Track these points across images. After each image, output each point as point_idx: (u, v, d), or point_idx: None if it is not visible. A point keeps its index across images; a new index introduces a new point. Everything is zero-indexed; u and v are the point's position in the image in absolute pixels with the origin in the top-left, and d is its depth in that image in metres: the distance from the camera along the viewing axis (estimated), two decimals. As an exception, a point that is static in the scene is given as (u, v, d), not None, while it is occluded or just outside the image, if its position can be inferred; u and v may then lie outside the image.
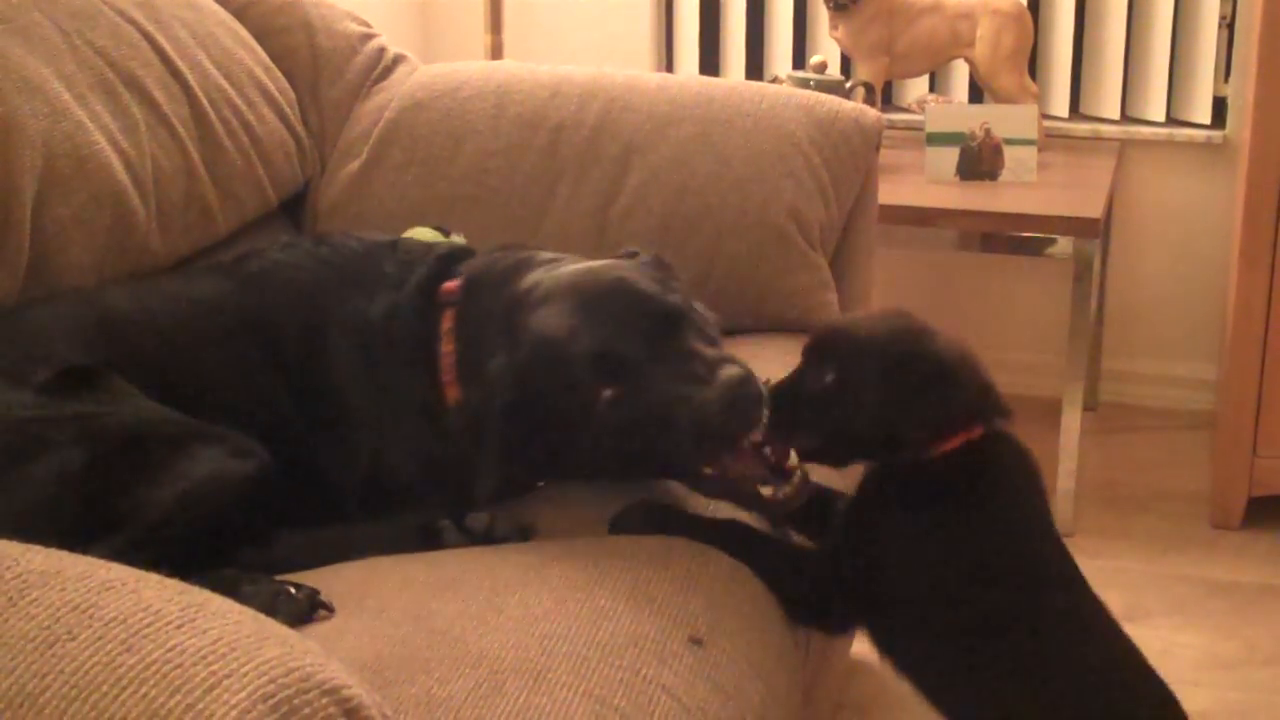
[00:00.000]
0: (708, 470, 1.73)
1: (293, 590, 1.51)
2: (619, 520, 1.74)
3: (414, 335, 1.88)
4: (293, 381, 1.87)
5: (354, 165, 2.40)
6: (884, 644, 1.73)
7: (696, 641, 1.51)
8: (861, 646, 2.56)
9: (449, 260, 1.93)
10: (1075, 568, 1.70)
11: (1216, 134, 3.61)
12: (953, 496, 1.66)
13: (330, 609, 1.50)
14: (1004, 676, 1.66)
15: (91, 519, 1.56)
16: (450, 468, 1.82)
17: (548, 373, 1.75)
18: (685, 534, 1.72)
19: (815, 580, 1.73)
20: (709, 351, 1.75)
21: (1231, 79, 3.61)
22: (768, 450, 1.72)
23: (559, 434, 1.76)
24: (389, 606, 1.49)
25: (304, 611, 1.48)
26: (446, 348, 1.86)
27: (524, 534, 1.73)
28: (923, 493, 1.66)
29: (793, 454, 1.73)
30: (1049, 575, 1.68)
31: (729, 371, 1.68)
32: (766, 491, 1.73)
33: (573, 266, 1.85)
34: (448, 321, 1.87)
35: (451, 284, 1.90)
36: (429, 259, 1.93)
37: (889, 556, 1.66)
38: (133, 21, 2.12)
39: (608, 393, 1.71)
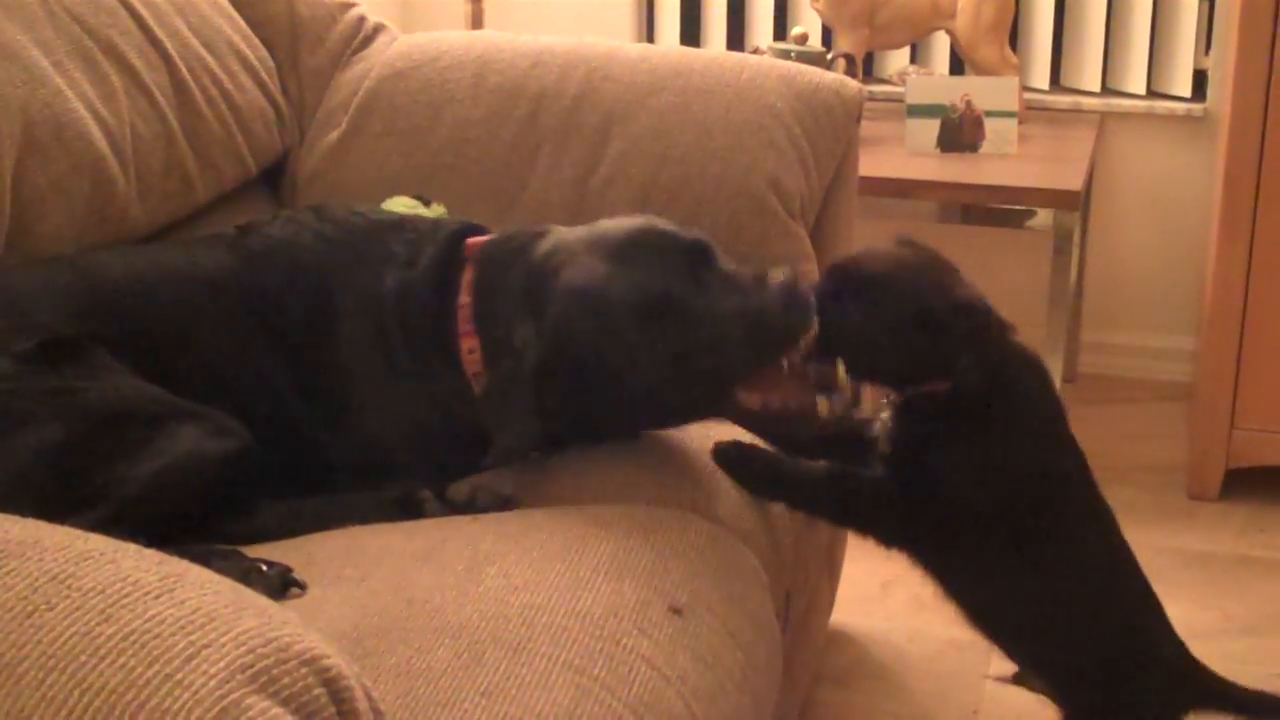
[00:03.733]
0: (756, 397, 1.75)
1: (264, 568, 1.49)
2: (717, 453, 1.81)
3: (429, 311, 1.86)
4: (295, 362, 1.85)
5: (333, 135, 2.39)
6: (925, 556, 1.81)
7: (676, 611, 1.51)
8: (841, 617, 2.59)
9: (460, 237, 1.92)
10: (1090, 478, 1.82)
11: (1197, 107, 3.62)
12: (982, 414, 1.74)
13: (302, 586, 1.49)
14: (1030, 586, 1.78)
15: (69, 494, 1.55)
16: (459, 443, 1.81)
17: (587, 326, 1.74)
18: (769, 483, 1.82)
19: (885, 502, 1.78)
20: (744, 271, 1.77)
21: (1212, 52, 3.62)
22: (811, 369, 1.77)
23: (599, 390, 1.75)
24: (369, 576, 1.49)
25: (275, 589, 1.46)
26: (464, 299, 1.84)
27: (505, 504, 1.73)
28: (956, 413, 1.73)
29: (840, 368, 1.78)
30: (1067, 482, 1.80)
31: (776, 275, 1.73)
32: (823, 405, 1.76)
33: (587, 226, 1.85)
34: (466, 276, 1.86)
35: (469, 246, 1.89)
36: (439, 237, 1.91)
37: (939, 469, 1.74)
38: (110, -12, 2.10)
39: (657, 333, 1.72)
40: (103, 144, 1.97)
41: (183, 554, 1.01)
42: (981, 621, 1.84)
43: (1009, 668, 1.98)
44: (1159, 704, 1.82)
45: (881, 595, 2.73)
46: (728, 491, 1.80)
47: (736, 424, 1.85)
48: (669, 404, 1.78)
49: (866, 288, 1.74)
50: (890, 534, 1.80)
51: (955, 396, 1.73)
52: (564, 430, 1.81)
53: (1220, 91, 3.47)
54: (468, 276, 1.86)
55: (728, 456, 1.82)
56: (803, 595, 2.13)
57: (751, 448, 1.83)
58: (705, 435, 1.86)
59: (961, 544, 1.77)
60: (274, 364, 1.85)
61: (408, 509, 1.72)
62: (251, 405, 1.78)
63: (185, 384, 1.74)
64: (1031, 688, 1.94)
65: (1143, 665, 1.81)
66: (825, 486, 1.81)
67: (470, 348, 1.82)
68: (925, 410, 1.75)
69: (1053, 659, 1.85)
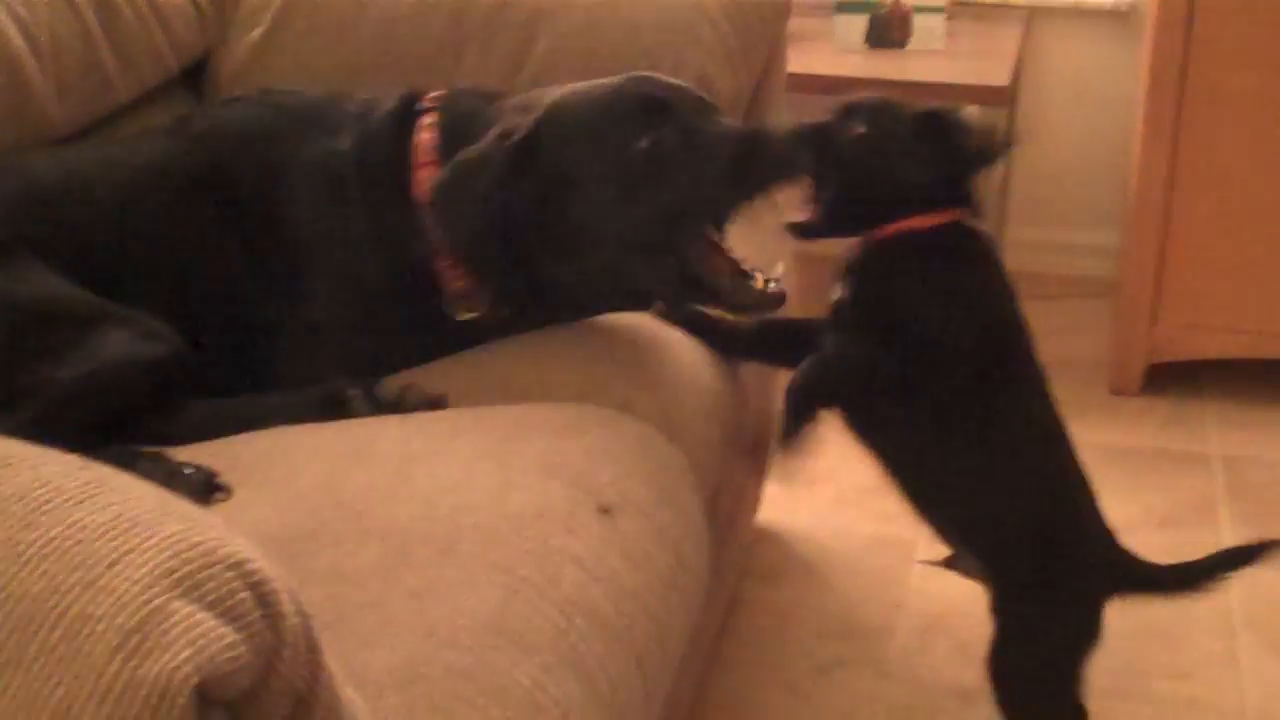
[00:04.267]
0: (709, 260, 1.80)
1: (188, 471, 1.49)
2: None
3: (388, 152, 1.88)
4: (245, 234, 1.85)
5: (256, 33, 2.35)
6: (857, 416, 1.87)
7: (605, 511, 1.52)
8: (766, 514, 2.61)
9: (412, 94, 1.94)
10: (1037, 357, 1.89)
11: (1123, 2, 3.62)
12: (947, 261, 1.83)
13: (227, 490, 1.48)
14: (968, 455, 1.84)
15: None
16: (410, 313, 1.83)
17: (570, 130, 1.77)
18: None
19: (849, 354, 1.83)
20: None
21: (1139, -53, 3.62)
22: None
23: (563, 209, 1.76)
24: (296, 477, 1.49)
25: (199, 492, 1.45)
26: (426, 135, 1.86)
27: (434, 404, 1.73)
28: (923, 259, 1.82)
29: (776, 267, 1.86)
30: (1012, 348, 1.87)
31: (773, 121, 1.82)
32: (758, 284, 1.80)
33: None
34: (428, 119, 1.88)
35: (426, 97, 1.92)
36: (392, 96, 1.94)
37: (914, 311, 1.81)
38: (24, -116, 2.06)
39: (644, 141, 1.75)
40: (19, 42, 1.94)
41: (106, 458, 1.01)
42: (916, 492, 1.89)
43: (938, 554, 2.01)
44: (1086, 582, 1.87)
45: (807, 493, 2.75)
46: (657, 389, 1.81)
47: (675, 319, 1.90)
48: (631, 241, 1.77)
49: (876, 109, 1.87)
50: (847, 392, 1.85)
51: (932, 236, 1.82)
52: (504, 278, 1.80)
53: (1147, -13, 3.48)
54: (430, 119, 1.88)
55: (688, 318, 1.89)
56: (729, 493, 2.15)
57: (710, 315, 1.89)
58: (641, 328, 1.87)
59: (916, 402, 1.82)
60: (222, 240, 1.85)
61: (335, 407, 1.71)
62: (197, 290, 1.78)
63: (126, 278, 1.73)
64: (962, 572, 1.97)
65: (1072, 541, 1.86)
66: (792, 341, 1.89)
67: (429, 176, 1.83)
68: (896, 253, 1.83)
69: (983, 531, 1.89)
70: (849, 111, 1.87)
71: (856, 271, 1.85)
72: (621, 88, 1.81)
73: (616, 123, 1.77)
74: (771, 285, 1.80)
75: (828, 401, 1.84)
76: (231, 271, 1.83)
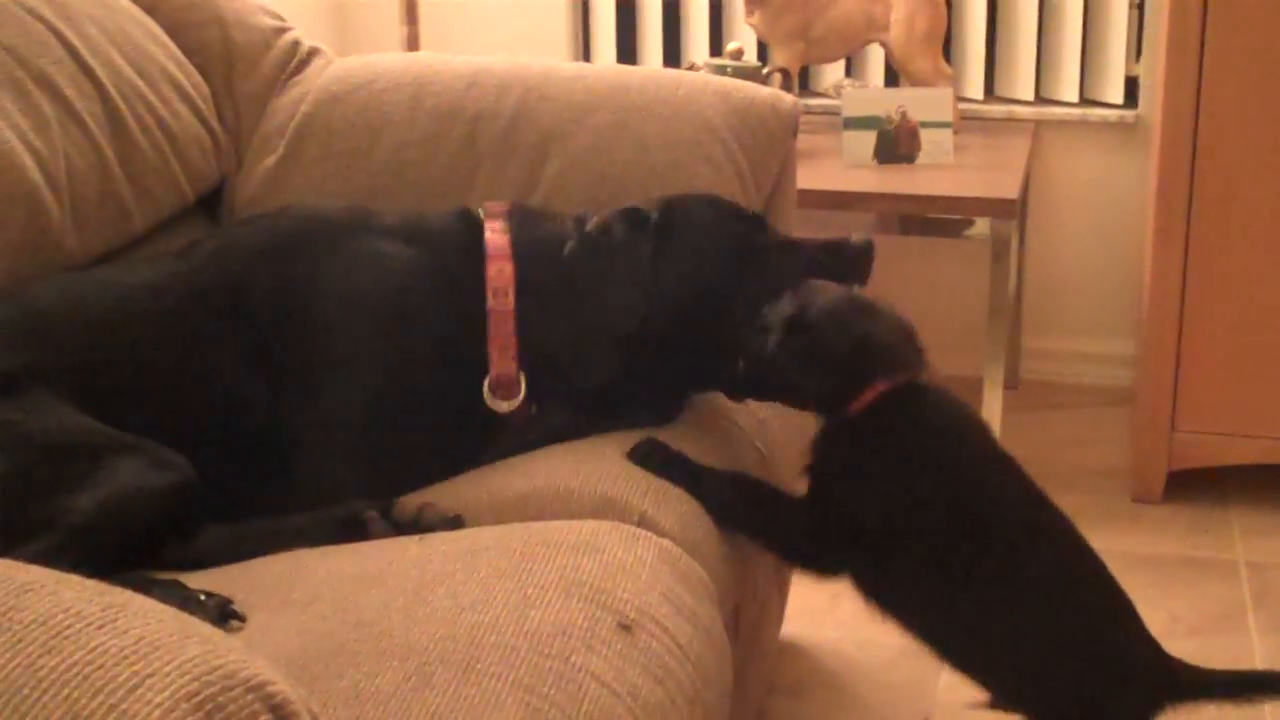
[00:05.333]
0: None
1: (203, 598, 1.48)
2: (634, 453, 1.87)
3: (460, 252, 1.98)
4: (261, 343, 1.88)
5: (270, 160, 2.38)
6: (865, 585, 1.84)
7: (625, 627, 1.51)
8: (791, 628, 2.59)
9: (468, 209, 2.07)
10: (1032, 489, 1.84)
11: (1129, 113, 3.66)
12: (881, 442, 1.80)
13: (242, 618, 1.47)
14: (970, 605, 1.80)
15: (12, 524, 1.54)
16: (441, 409, 1.91)
17: (692, 217, 1.98)
18: (684, 480, 1.85)
19: (801, 525, 1.85)
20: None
21: (1143, 59, 3.66)
22: None
23: (692, 308, 1.93)
24: (315, 600, 1.48)
25: (214, 620, 1.43)
26: (497, 237, 1.99)
27: (452, 523, 1.73)
28: (858, 440, 1.81)
29: None
30: (991, 501, 1.81)
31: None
32: None
33: None
34: (494, 222, 2.01)
35: (489, 204, 2.05)
36: (438, 210, 2.07)
37: (845, 497, 1.81)
38: (42, 19, 2.09)
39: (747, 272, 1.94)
40: (36, 175, 1.96)
41: (122, 584, 1.01)
42: (941, 649, 1.84)
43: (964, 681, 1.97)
44: (1138, 705, 1.82)
45: (831, 605, 2.73)
46: (675, 503, 1.81)
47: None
48: (743, 320, 1.87)
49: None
50: (805, 556, 1.88)
51: (868, 419, 1.79)
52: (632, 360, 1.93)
53: (1151, 98, 3.51)
54: (496, 223, 2.00)
55: (644, 455, 1.87)
56: (752, 607, 2.14)
57: (666, 447, 1.88)
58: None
59: (890, 570, 1.80)
60: (232, 352, 1.86)
61: (353, 529, 1.71)
62: (205, 405, 1.80)
63: (131, 399, 1.75)
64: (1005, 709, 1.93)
65: (1116, 671, 1.80)
66: (738, 493, 1.89)
67: (499, 268, 1.95)
68: (844, 434, 1.81)
69: (1021, 683, 1.83)
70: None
71: (811, 453, 1.86)
72: (699, 197, 2.05)
73: (725, 217, 2.00)
74: None
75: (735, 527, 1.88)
76: (242, 384, 1.85)
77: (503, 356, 1.94)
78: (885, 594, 1.83)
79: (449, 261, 1.98)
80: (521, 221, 2.02)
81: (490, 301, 1.94)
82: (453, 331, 1.94)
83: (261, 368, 1.87)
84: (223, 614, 1.47)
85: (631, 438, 1.89)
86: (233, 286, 1.90)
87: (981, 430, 1.88)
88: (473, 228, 2.02)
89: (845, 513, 1.80)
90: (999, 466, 1.84)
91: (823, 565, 1.87)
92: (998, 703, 1.88)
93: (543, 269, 1.97)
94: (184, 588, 1.52)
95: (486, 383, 1.94)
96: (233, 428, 1.82)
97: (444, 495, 1.80)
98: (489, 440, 1.93)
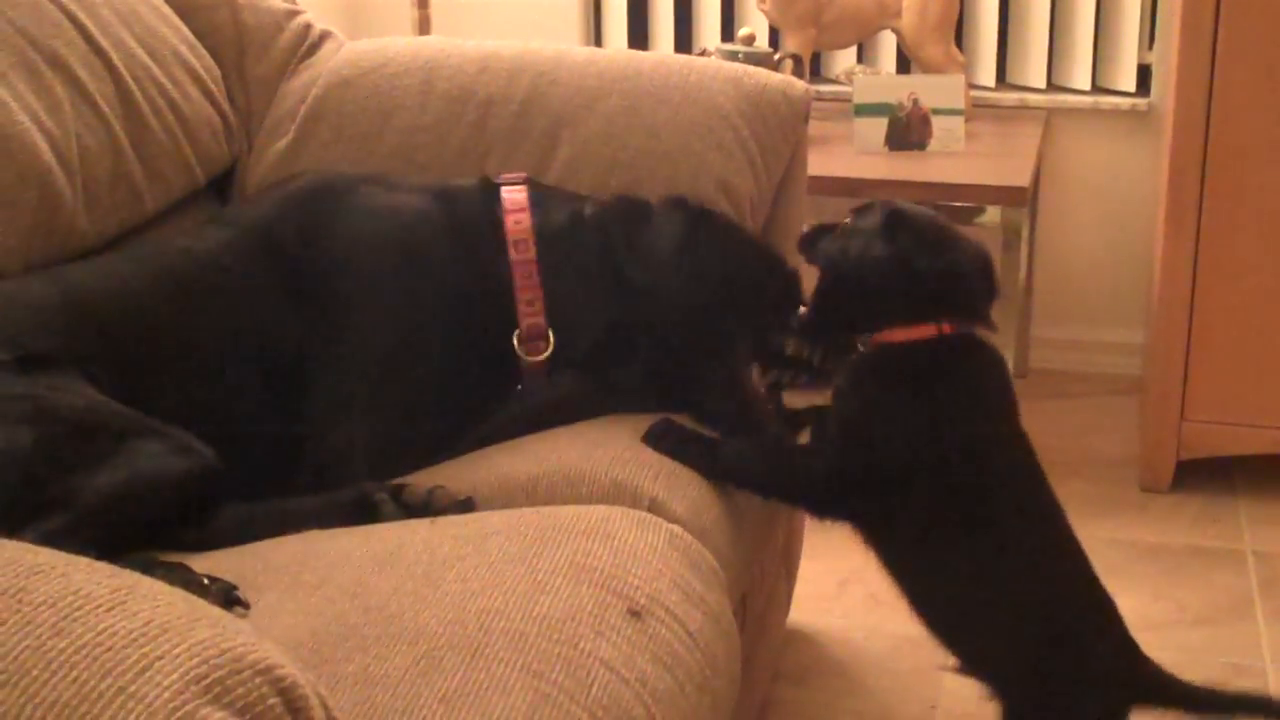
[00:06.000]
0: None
1: (206, 582, 1.47)
2: (648, 435, 1.87)
3: (480, 205, 2.04)
4: (293, 286, 1.92)
5: (281, 143, 2.38)
6: (871, 536, 1.84)
7: (635, 614, 1.51)
8: (798, 616, 2.59)
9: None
10: (1037, 472, 1.83)
11: (1141, 101, 3.65)
12: (914, 380, 1.80)
13: (246, 605, 1.46)
14: (965, 572, 1.80)
15: (28, 499, 1.55)
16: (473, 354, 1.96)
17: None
18: (701, 459, 1.86)
19: (816, 462, 1.85)
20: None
21: (1155, 47, 3.65)
22: None
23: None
24: (325, 583, 1.49)
25: (217, 605, 1.44)
26: (515, 195, 2.04)
27: (463, 506, 1.73)
28: (890, 375, 1.81)
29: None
30: (1001, 471, 1.81)
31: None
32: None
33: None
34: (511, 188, 2.06)
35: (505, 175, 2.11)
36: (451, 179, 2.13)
37: (867, 431, 1.80)
38: (55, 1, 2.09)
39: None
40: (48, 156, 1.96)
41: (128, 566, 1.01)
42: (920, 607, 1.85)
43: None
44: (1098, 701, 1.81)
45: (838, 593, 2.74)
46: (685, 489, 1.81)
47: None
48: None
49: (884, 214, 1.86)
50: (823, 502, 1.85)
51: (920, 355, 1.79)
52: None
53: (1164, 86, 3.50)
54: (514, 189, 2.06)
55: (658, 436, 1.87)
56: (760, 594, 2.14)
57: (682, 427, 1.89)
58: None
59: (896, 515, 1.80)
60: (265, 294, 1.91)
61: (364, 511, 1.71)
62: (243, 365, 1.85)
63: (171, 371, 1.80)
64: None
65: (1079, 660, 1.80)
66: (756, 454, 1.89)
67: (517, 220, 2.00)
68: (869, 368, 1.83)
69: (986, 650, 1.84)
70: (856, 214, 1.89)
71: (840, 383, 1.86)
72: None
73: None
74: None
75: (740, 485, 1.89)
76: (277, 322, 1.90)
77: (531, 309, 1.98)
78: (882, 540, 1.84)
79: (468, 213, 2.03)
80: (537, 187, 2.09)
81: (512, 254, 1.99)
82: (469, 279, 1.99)
83: (294, 304, 1.91)
84: (227, 600, 1.46)
85: (644, 420, 1.89)
86: (264, 232, 1.96)
87: (1012, 401, 1.87)
88: (490, 188, 2.07)
89: (868, 443, 1.79)
90: (1017, 440, 1.84)
91: (832, 507, 1.86)
92: (965, 668, 1.90)
93: (560, 227, 2.02)
94: (189, 571, 1.51)
95: (516, 335, 1.98)
96: (269, 366, 1.87)
97: (453, 477, 1.80)
98: (503, 396, 1.98)
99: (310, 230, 1.97)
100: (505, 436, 1.93)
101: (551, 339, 1.99)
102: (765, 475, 1.89)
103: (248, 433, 1.78)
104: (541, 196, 2.06)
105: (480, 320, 1.98)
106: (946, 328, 1.80)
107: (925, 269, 1.79)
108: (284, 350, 1.89)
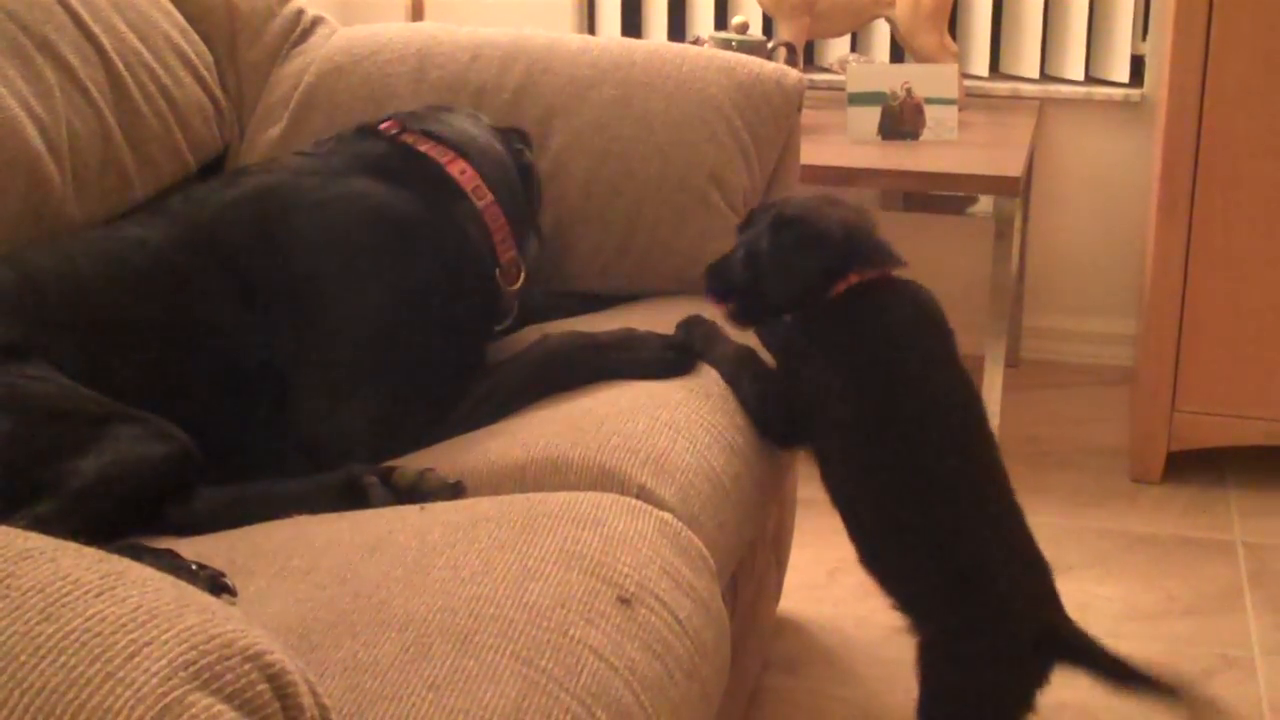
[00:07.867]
0: None
1: (194, 568, 1.47)
2: (680, 325, 2.05)
3: (407, 154, 2.07)
4: (246, 282, 1.91)
5: (274, 130, 2.38)
6: (822, 472, 1.95)
7: (625, 601, 1.51)
8: (788, 604, 2.60)
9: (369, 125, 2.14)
10: (970, 406, 1.92)
11: (1134, 92, 3.65)
12: (846, 331, 1.91)
13: (233, 592, 1.46)
14: (887, 501, 1.88)
15: (16, 485, 1.55)
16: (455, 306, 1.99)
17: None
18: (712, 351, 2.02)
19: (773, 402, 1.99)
20: None
21: (1149, 37, 3.65)
22: None
23: None
24: (314, 568, 1.49)
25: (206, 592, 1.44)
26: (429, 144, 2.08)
27: (453, 490, 1.73)
28: (824, 329, 1.93)
29: None
30: (933, 403, 1.89)
31: None
32: None
33: None
34: (410, 135, 2.10)
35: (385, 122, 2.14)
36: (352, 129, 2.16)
37: (807, 384, 1.93)
38: (45, -15, 2.09)
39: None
40: (38, 141, 1.96)
41: (116, 552, 1.01)
42: (853, 535, 1.92)
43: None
44: (1009, 641, 1.84)
45: (828, 582, 2.74)
46: (675, 476, 1.81)
47: None
48: None
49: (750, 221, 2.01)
50: (773, 428, 1.99)
51: (842, 306, 1.90)
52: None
53: (1157, 77, 3.50)
54: (409, 134, 2.10)
55: (689, 324, 2.04)
56: (750, 582, 2.14)
57: (707, 320, 2.04)
58: (655, 410, 1.87)
59: (826, 445, 1.91)
60: (218, 295, 1.89)
61: (352, 495, 1.71)
62: (202, 350, 1.84)
63: (130, 361, 1.78)
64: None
65: (993, 599, 1.83)
66: (739, 363, 2.02)
67: (461, 169, 2.05)
68: (817, 320, 1.93)
69: (905, 579, 1.90)
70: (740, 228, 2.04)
71: (764, 335, 2.04)
72: None
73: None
74: None
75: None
76: (234, 324, 1.88)
77: (505, 245, 2.06)
78: (832, 475, 1.92)
79: (410, 177, 2.06)
80: (418, 121, 2.13)
81: (476, 202, 2.05)
82: (439, 238, 2.02)
83: (251, 311, 1.89)
84: (214, 587, 1.45)
85: (638, 404, 1.89)
86: (209, 236, 1.93)
87: (944, 332, 1.94)
88: (390, 139, 2.10)
89: (806, 388, 1.92)
90: (945, 371, 1.91)
91: (785, 438, 2.01)
92: (893, 602, 1.94)
93: (492, 163, 2.11)
94: (177, 557, 1.51)
95: (498, 271, 2.06)
96: (230, 367, 1.85)
97: (442, 462, 1.80)
98: (494, 334, 2.08)
99: (263, 239, 1.94)
100: (506, 392, 1.95)
101: (522, 266, 2.08)
102: (745, 385, 2.00)
103: (200, 431, 1.76)
104: (447, 136, 2.10)
105: (461, 273, 2.02)
106: (853, 278, 1.91)
107: (820, 237, 1.92)
108: (243, 354, 1.87)
